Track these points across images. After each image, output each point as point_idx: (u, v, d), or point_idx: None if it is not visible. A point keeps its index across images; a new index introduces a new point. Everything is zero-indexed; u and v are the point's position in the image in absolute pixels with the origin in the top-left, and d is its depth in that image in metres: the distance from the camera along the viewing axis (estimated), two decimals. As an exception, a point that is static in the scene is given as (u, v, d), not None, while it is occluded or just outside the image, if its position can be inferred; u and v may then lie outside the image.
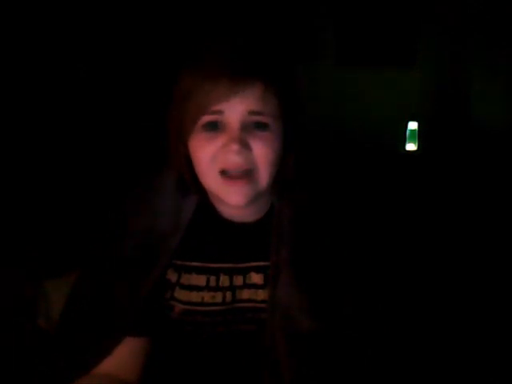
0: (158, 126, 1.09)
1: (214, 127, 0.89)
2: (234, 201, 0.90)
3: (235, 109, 0.87)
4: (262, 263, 0.98)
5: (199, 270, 0.98)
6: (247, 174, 0.89)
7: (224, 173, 0.89)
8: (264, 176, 0.90)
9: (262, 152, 0.89)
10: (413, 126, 5.74)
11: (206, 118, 0.88)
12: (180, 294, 0.97)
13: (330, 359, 0.94)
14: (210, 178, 0.91)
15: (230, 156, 0.87)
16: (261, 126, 0.89)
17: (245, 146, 0.87)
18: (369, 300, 0.99)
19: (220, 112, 0.87)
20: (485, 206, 3.73)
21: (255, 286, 0.98)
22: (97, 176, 4.07)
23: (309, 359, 0.93)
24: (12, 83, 5.12)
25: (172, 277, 0.97)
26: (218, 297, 0.97)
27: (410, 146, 5.73)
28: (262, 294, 0.97)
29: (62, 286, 1.11)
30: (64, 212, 3.47)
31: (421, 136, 5.71)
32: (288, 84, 0.93)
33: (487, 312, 2.26)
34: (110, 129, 5.25)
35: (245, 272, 0.98)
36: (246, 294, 0.98)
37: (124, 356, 0.94)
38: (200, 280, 0.97)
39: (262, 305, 0.97)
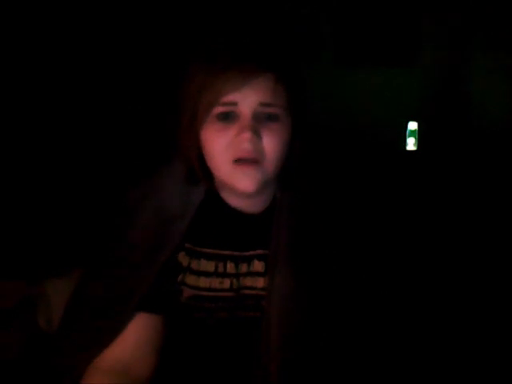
0: (166, 117, 1.11)
1: (227, 118, 0.91)
2: (244, 186, 0.92)
3: (248, 100, 0.90)
4: (263, 251, 1.01)
5: (209, 256, 1.00)
6: (256, 162, 0.92)
7: (236, 161, 0.92)
8: (271, 165, 0.93)
9: (272, 142, 0.92)
10: (413, 126, 5.75)
11: (220, 109, 0.91)
12: (189, 278, 0.99)
13: (325, 352, 0.96)
14: (222, 167, 0.93)
15: (242, 145, 0.90)
16: (271, 118, 0.92)
17: (256, 134, 0.90)
18: (367, 293, 1.01)
19: (234, 103, 0.90)
20: (484, 206, 3.73)
21: (257, 274, 1.01)
22: (99, 173, 4.06)
23: (302, 349, 0.95)
24: (12, 83, 5.12)
25: (184, 261, 1.00)
26: (226, 283, 1.00)
27: (410, 146, 5.74)
28: (262, 282, 1.00)
29: (61, 286, 1.12)
30: (64, 211, 3.47)
31: (421, 136, 5.71)
32: (297, 76, 0.97)
33: (486, 311, 2.26)
34: (118, 120, 5.24)
35: (249, 260, 1.01)
36: (248, 281, 1.00)
37: (137, 343, 0.95)
38: (209, 266, 1.00)
39: (262, 292, 0.99)
